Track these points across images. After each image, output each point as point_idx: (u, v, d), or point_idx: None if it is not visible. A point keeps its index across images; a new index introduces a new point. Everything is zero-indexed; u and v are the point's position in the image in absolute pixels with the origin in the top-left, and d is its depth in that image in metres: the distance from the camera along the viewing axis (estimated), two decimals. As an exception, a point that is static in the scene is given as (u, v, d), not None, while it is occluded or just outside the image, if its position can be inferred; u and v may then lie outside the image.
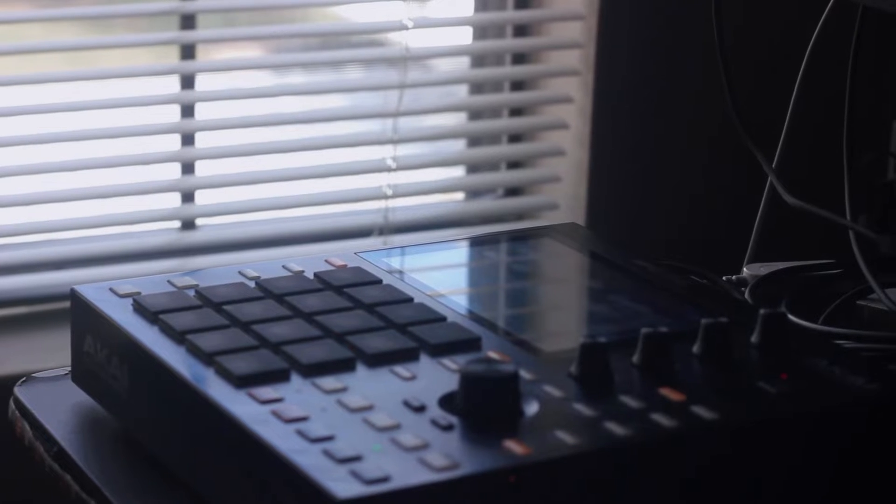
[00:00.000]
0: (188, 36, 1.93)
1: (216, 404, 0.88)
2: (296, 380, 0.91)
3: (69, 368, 1.04)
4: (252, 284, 1.03)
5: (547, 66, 2.12)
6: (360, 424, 0.86)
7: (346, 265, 1.07)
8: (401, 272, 1.08)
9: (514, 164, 2.16)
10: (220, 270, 1.05)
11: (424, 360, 0.94)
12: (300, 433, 0.85)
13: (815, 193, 1.26)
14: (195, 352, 0.94)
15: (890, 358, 1.08)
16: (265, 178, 2.00)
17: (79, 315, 1.02)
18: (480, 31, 2.16)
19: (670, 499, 0.87)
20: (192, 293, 1.01)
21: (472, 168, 2.17)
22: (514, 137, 2.15)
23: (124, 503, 0.93)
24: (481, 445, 0.85)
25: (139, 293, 1.01)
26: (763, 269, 1.24)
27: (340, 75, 2.20)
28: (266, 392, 0.89)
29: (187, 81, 1.94)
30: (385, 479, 0.81)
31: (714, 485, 0.88)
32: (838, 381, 0.93)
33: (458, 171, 2.20)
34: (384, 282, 1.04)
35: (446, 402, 0.89)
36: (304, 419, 0.86)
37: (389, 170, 2.02)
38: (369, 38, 2.18)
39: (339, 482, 0.80)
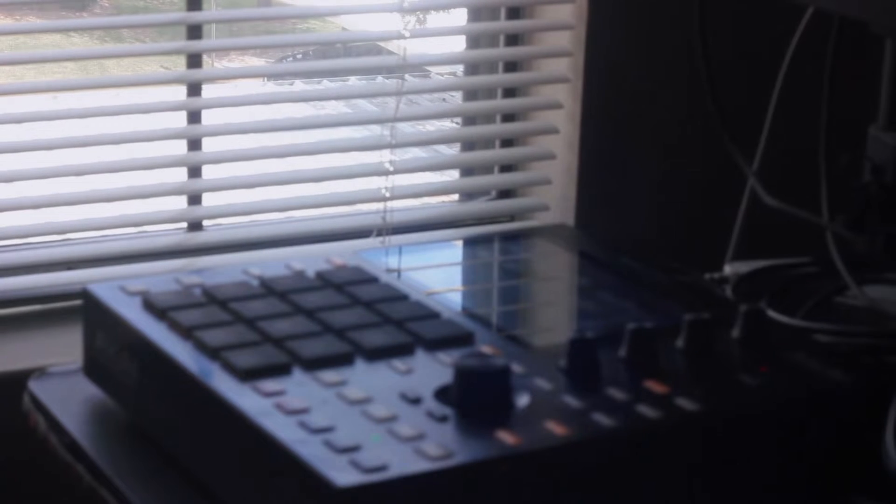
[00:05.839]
0: (195, 45, 1.94)
1: (221, 397, 0.90)
2: (297, 373, 0.93)
3: (81, 363, 1.06)
4: (256, 283, 1.05)
5: (538, 74, 2.13)
6: (359, 416, 0.88)
7: (345, 264, 1.08)
8: (398, 271, 1.10)
9: (506, 168, 2.17)
10: (225, 269, 1.07)
11: (420, 355, 0.96)
12: (301, 424, 0.87)
13: (794, 194, 1.28)
14: (201, 347, 0.96)
15: (865, 351, 1.10)
16: (268, 181, 2.01)
17: (91, 312, 1.04)
18: (474, 41, 2.18)
19: (655, 486, 0.89)
20: (198, 291, 1.03)
21: (467, 171, 2.18)
22: (507, 142, 2.17)
23: (134, 492, 0.95)
24: (475, 436, 0.87)
25: (148, 291, 1.03)
26: (744, 267, 1.26)
27: (341, 83, 2.21)
28: (269, 385, 0.91)
29: (194, 89, 1.95)
30: (383, 468, 0.83)
31: (697, 473, 0.90)
32: (816, 373, 0.96)
33: (452, 174, 2.23)
34: (382, 280, 1.06)
35: (441, 394, 0.91)
36: (305, 411, 0.88)
37: (387, 173, 2.03)
38: (368, 48, 2.20)
39: (338, 471, 0.82)
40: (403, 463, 0.83)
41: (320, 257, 1.10)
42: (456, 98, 2.38)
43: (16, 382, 1.12)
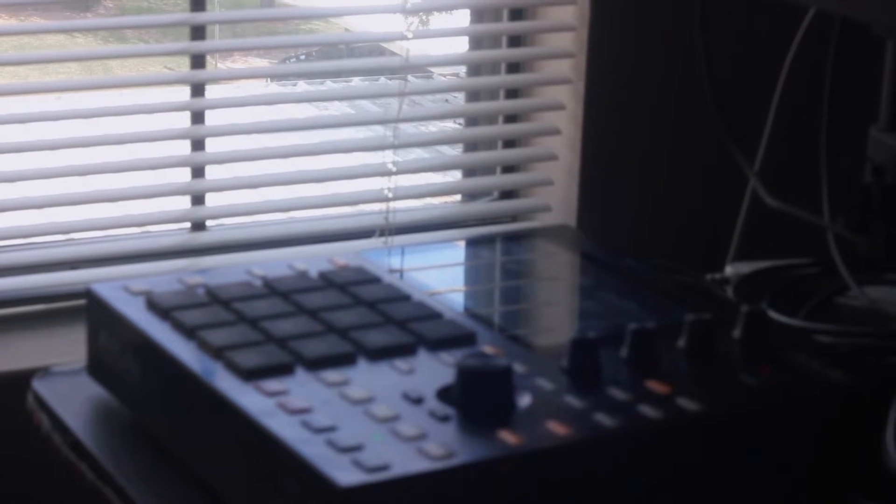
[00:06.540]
0: (198, 46, 1.95)
1: (224, 396, 0.91)
2: (300, 373, 0.93)
3: (85, 363, 1.07)
4: (259, 283, 1.05)
5: (540, 75, 2.14)
6: (362, 416, 0.88)
7: (348, 264, 1.09)
8: (401, 271, 1.10)
9: (508, 169, 2.18)
10: (228, 269, 1.08)
11: (422, 355, 0.96)
12: (304, 424, 0.87)
13: (795, 195, 1.29)
14: (204, 346, 0.96)
15: (866, 352, 1.10)
16: (272, 181, 2.02)
17: (94, 312, 1.04)
18: (476, 42, 2.19)
19: (656, 486, 0.90)
20: (201, 291, 1.04)
21: (469, 172, 2.19)
22: (509, 143, 2.17)
23: (137, 490, 0.95)
24: (476, 436, 0.87)
25: (151, 291, 1.03)
26: (745, 267, 1.26)
27: (344, 84, 2.22)
28: (272, 385, 0.91)
29: (198, 89, 1.96)
30: (385, 468, 0.83)
31: (698, 473, 0.91)
32: (817, 374, 0.96)
33: (455, 175, 2.24)
34: (385, 280, 1.06)
35: (443, 394, 0.91)
36: (307, 410, 0.88)
37: (390, 174, 2.03)
38: (371, 49, 2.21)
39: (341, 470, 0.83)
40: (405, 462, 0.84)
41: (323, 257, 1.10)
42: (458, 99, 2.38)
43: (20, 382, 1.13)
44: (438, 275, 1.11)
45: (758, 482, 0.92)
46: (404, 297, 1.03)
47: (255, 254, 1.99)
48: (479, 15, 2.16)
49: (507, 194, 2.18)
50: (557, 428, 0.88)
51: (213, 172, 2.00)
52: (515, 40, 2.15)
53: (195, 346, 0.97)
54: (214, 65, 2.08)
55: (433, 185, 2.18)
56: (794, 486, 0.94)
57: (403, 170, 2.05)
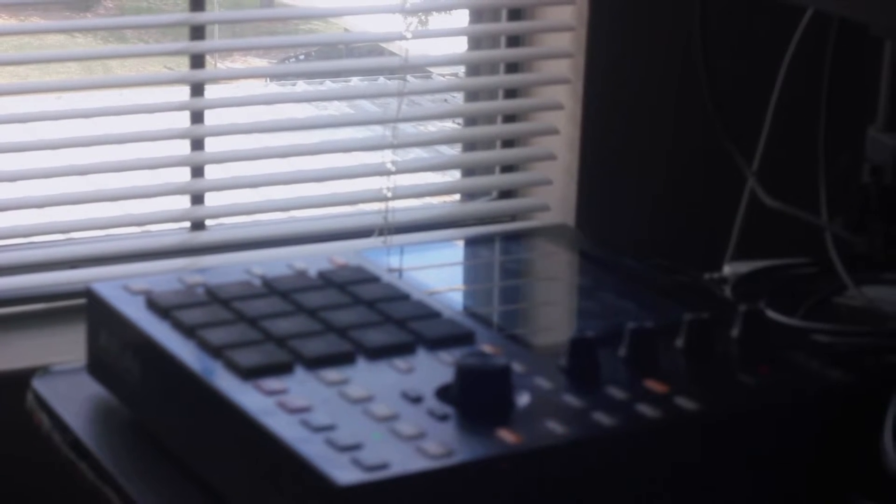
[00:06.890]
0: (198, 46, 1.95)
1: (224, 395, 0.91)
2: (299, 372, 0.93)
3: (85, 362, 1.07)
4: (258, 282, 1.05)
5: (539, 75, 2.14)
6: (361, 415, 0.88)
7: (347, 264, 1.09)
8: (400, 270, 1.10)
9: (507, 168, 2.18)
10: (228, 269, 1.08)
11: (421, 354, 0.96)
12: (304, 423, 0.87)
13: (793, 195, 1.29)
14: (204, 346, 0.96)
15: (864, 351, 1.10)
16: (271, 181, 2.02)
17: (94, 311, 1.05)
18: (475, 42, 2.19)
19: (654, 485, 0.90)
20: (201, 290, 1.04)
21: (468, 171, 2.19)
22: (508, 142, 2.18)
23: (137, 489, 0.95)
24: (475, 434, 0.87)
25: (151, 290, 1.03)
26: (743, 267, 1.26)
27: (343, 84, 2.22)
28: (271, 384, 0.91)
29: (197, 89, 1.96)
30: (384, 467, 0.83)
31: (696, 473, 0.91)
32: (815, 373, 0.96)
33: (454, 175, 2.24)
34: (384, 279, 1.06)
35: (442, 393, 0.91)
36: (307, 409, 0.89)
37: (389, 173, 2.04)
38: (370, 49, 2.21)
39: (340, 469, 0.83)
40: (404, 461, 0.84)
41: (322, 257, 1.10)
42: (457, 99, 2.39)
43: (20, 381, 1.13)
44: (437, 274, 1.11)
45: (756, 482, 0.92)
46: (403, 297, 1.04)
47: (255, 253, 1.99)
48: (477, 15, 2.16)
49: (505, 194, 2.18)
50: (556, 427, 0.88)
51: (212, 172, 2.00)
52: (514, 40, 2.15)
53: (195, 346, 0.97)
54: (214, 65, 2.08)
55: (432, 185, 2.19)
56: (793, 485, 0.94)
57: (402, 169, 2.06)
